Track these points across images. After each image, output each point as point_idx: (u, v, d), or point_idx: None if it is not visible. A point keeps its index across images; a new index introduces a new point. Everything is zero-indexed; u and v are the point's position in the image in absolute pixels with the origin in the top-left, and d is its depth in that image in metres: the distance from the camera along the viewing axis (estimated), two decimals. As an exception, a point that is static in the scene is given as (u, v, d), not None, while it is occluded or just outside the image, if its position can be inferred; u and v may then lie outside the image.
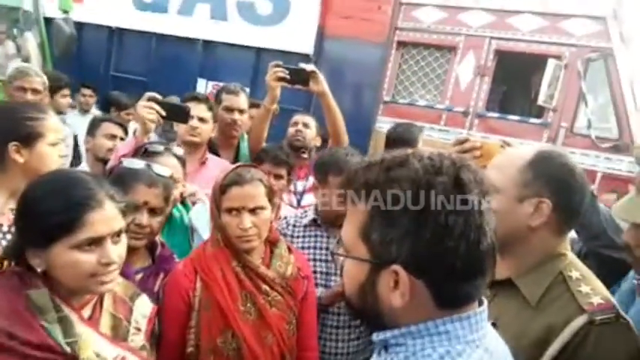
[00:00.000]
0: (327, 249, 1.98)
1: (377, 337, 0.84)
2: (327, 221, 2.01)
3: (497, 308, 1.10)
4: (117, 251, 1.15)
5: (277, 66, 2.55)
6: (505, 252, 1.20)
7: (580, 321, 1.09)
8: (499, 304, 1.18)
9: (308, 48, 5.16)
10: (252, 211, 1.55)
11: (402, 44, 5.08)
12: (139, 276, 1.55)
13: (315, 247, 2.00)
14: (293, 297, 1.63)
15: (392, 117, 4.87)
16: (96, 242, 1.11)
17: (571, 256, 1.24)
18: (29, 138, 1.61)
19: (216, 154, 2.68)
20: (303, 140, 3.10)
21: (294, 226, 2.07)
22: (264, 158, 2.48)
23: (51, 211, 1.09)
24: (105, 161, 2.59)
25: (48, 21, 5.77)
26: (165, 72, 5.75)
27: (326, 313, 1.92)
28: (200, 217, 1.95)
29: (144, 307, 1.32)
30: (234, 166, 1.67)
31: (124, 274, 1.34)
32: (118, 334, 1.22)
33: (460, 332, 0.78)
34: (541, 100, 4.28)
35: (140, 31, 6.05)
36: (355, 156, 1.97)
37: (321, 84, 2.56)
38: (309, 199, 2.79)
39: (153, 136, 2.36)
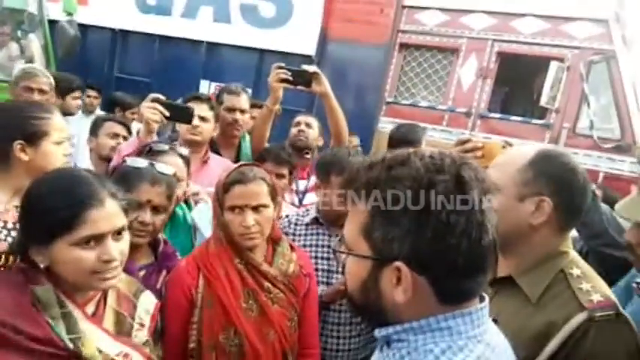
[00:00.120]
0: (328, 247, 1.99)
1: (379, 333, 0.85)
2: (329, 220, 2.02)
3: (498, 305, 1.11)
4: (118, 248, 1.15)
5: (280, 68, 2.56)
6: (507, 250, 1.20)
7: (580, 318, 1.09)
8: (500, 301, 1.19)
9: (311, 50, 5.18)
10: (255, 209, 1.55)
11: (404, 46, 5.09)
12: (141, 273, 1.56)
13: (316, 245, 2.01)
14: (295, 294, 1.64)
15: (394, 118, 4.89)
16: (96, 239, 1.11)
17: (573, 254, 1.24)
18: (34, 137, 1.62)
19: (218, 153, 2.69)
20: (305, 140, 3.10)
21: (296, 224, 2.08)
22: (267, 157, 2.50)
23: (53, 208, 1.10)
24: (108, 160, 2.60)
25: (52, 23, 5.80)
26: (169, 73, 5.78)
27: (327, 310, 1.92)
28: (202, 217, 1.96)
29: (147, 303, 1.33)
30: (236, 165, 1.68)
31: (128, 270, 1.35)
32: (122, 331, 1.22)
33: (462, 328, 0.78)
34: (543, 101, 4.29)
35: (144, 33, 6.07)
36: (357, 156, 1.98)
37: (324, 85, 2.58)
38: (311, 198, 2.79)
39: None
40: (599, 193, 2.27)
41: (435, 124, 4.82)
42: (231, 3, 5.61)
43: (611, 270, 1.44)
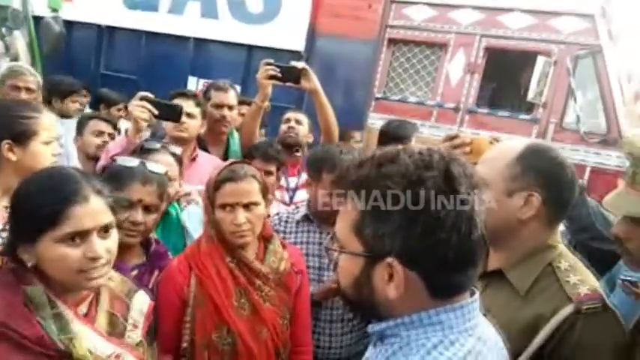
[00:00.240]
0: (319, 244, 1.99)
1: (373, 328, 0.86)
2: (320, 217, 2.02)
3: (488, 299, 1.12)
4: (105, 246, 1.13)
5: (268, 64, 2.55)
6: (496, 244, 1.22)
7: (567, 310, 1.11)
8: (490, 294, 1.20)
9: (299, 46, 5.16)
10: (246, 206, 1.55)
11: (392, 42, 5.09)
12: (134, 273, 1.55)
13: (307, 243, 2.01)
14: (287, 292, 1.65)
15: (383, 113, 4.89)
16: (81, 236, 1.10)
17: (562, 248, 1.26)
18: (22, 136, 1.60)
19: (206, 150, 2.67)
20: (295, 137, 3.09)
21: (287, 222, 2.08)
22: (255, 154, 2.49)
23: (38, 205, 1.09)
24: (96, 159, 2.58)
25: (37, 19, 5.73)
26: (156, 70, 5.71)
27: (319, 308, 1.93)
28: (192, 218, 1.94)
29: (141, 303, 1.32)
30: (226, 162, 1.68)
31: (120, 270, 1.35)
32: (115, 332, 1.21)
33: (453, 322, 0.80)
34: (530, 96, 4.32)
35: (130, 30, 6.01)
36: (348, 153, 1.98)
37: (313, 81, 2.57)
38: (302, 195, 2.80)
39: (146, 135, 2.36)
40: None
41: (424, 120, 4.83)
42: (218, -2, 5.56)
43: (598, 263, 1.45)
